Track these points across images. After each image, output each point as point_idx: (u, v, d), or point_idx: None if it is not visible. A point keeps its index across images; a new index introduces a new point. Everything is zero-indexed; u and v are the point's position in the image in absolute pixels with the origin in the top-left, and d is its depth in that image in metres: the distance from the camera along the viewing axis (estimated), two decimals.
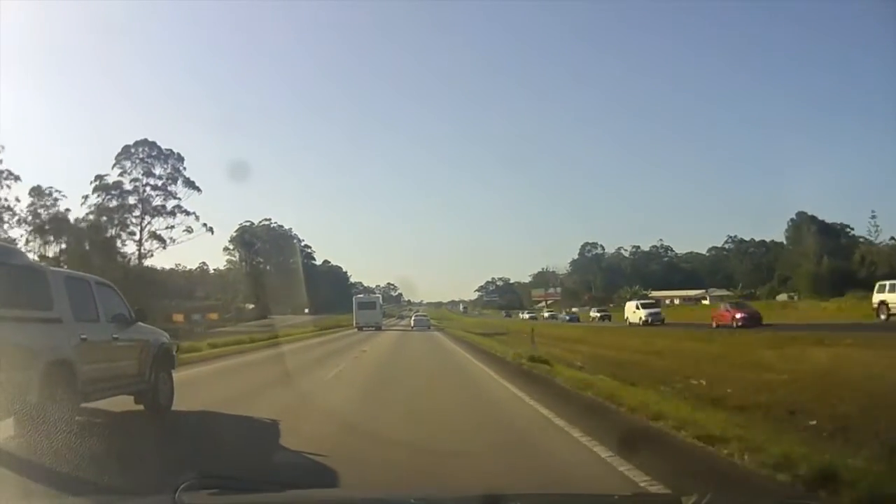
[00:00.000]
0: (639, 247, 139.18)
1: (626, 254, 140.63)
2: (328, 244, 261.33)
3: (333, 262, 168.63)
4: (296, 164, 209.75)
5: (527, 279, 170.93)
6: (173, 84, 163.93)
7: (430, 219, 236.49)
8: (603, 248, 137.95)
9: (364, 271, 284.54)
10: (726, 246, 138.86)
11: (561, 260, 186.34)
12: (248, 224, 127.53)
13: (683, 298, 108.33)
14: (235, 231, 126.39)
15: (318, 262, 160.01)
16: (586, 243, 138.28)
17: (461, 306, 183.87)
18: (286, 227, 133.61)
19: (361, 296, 72.84)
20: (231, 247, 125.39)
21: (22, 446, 5.67)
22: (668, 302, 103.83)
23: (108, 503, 4.06)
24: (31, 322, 7.01)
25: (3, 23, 73.49)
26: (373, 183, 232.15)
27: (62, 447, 5.30)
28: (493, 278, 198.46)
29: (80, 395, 7.37)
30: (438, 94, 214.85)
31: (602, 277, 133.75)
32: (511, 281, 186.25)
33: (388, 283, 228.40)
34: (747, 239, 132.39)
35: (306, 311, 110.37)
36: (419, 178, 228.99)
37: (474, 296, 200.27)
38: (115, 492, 4.38)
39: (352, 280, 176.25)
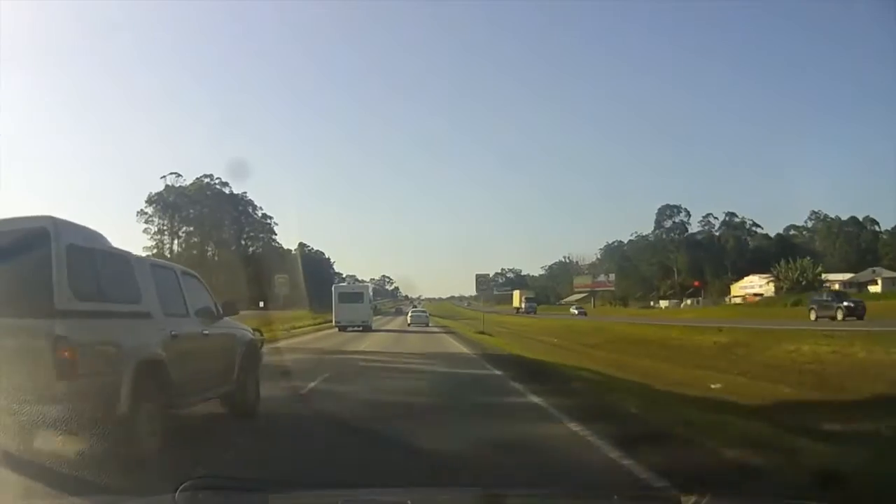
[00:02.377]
0: (734, 213, 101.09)
1: (716, 224, 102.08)
2: (321, 240, 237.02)
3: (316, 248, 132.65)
4: (290, 159, 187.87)
5: (538, 272, 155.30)
6: (170, 78, 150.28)
7: (427, 214, 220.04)
8: (688, 214, 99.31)
9: (358, 267, 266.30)
10: (808, 224, 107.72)
11: (585, 249, 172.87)
12: (175, 180, 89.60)
13: (842, 283, 71.73)
14: (159, 190, 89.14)
15: (292, 246, 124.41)
16: (666, 206, 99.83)
17: (521, 299, 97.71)
18: (237, 191, 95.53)
19: (343, 285, 57.19)
20: (149, 211, 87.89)
21: (102, 461, 4.79)
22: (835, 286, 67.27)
23: (108, 503, 4.07)
24: (119, 317, 5.91)
25: (5, 20, 68.84)
26: (368, 178, 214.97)
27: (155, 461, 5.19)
28: (502, 269, 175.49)
29: (173, 401, 6.35)
30: (439, 91, 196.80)
31: (687, 256, 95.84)
32: (523, 273, 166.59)
33: (383, 276, 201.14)
34: (832, 216, 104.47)
35: (261, 304, 72.40)
36: (415, 172, 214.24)
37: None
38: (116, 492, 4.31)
39: (338, 270, 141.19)
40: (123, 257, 6.46)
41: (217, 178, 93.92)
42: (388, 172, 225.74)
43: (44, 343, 4.95)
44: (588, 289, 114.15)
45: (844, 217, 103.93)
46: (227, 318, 8.37)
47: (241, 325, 9.22)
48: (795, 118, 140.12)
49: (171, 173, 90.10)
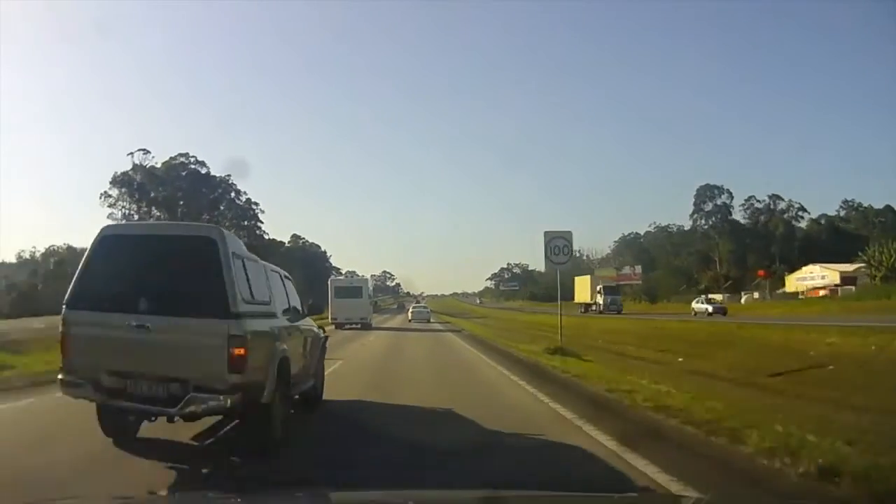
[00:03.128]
0: (778, 196, 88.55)
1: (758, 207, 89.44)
2: (321, 235, 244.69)
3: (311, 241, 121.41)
4: (289, 154, 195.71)
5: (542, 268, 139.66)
6: (172, 77, 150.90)
7: (429, 210, 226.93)
8: (731, 196, 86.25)
9: (358, 263, 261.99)
10: (839, 213, 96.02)
11: (593, 243, 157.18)
12: (144, 157, 77.57)
13: None
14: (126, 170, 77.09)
15: (285, 238, 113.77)
16: (706, 187, 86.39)
17: (596, 291, 65.98)
18: (213, 171, 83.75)
19: (341, 278, 55.70)
20: (114, 194, 75.80)
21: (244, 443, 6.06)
22: None
23: (108, 503, 4.10)
24: (264, 317, 6.43)
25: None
26: (369, 174, 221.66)
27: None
28: (508, 264, 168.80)
29: (292, 393, 7.19)
30: (439, 90, 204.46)
31: (732, 243, 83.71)
32: (531, 268, 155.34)
33: (384, 271, 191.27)
34: (865, 205, 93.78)
35: None
36: (416, 168, 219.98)
37: (481, 286, 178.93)
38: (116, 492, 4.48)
39: (336, 265, 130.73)
40: (258, 262, 6.97)
41: (192, 157, 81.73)
42: (389, 169, 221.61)
43: (220, 341, 5.46)
44: (612, 282, 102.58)
45: (878, 206, 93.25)
46: (307, 318, 8.79)
47: (312, 322, 9.36)
48: (813, 106, 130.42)
49: (140, 150, 78.02)
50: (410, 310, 55.42)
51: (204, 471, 5.59)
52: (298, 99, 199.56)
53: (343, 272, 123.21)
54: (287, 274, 8.46)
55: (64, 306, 5.81)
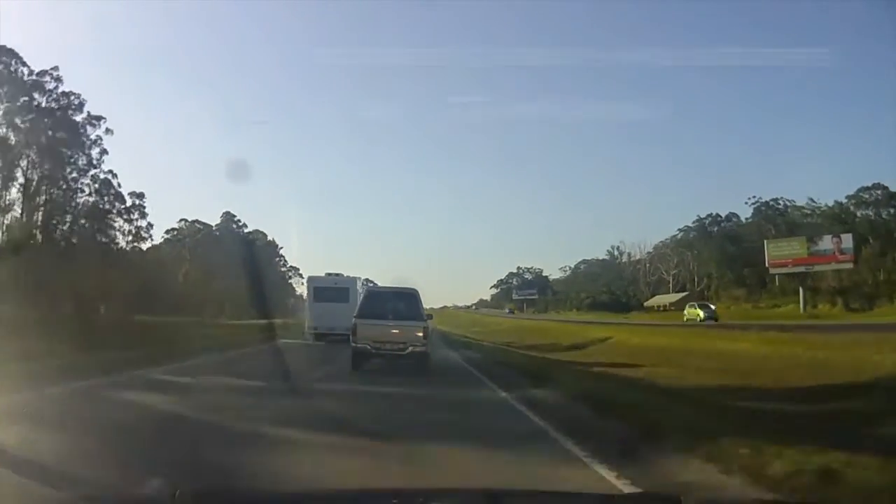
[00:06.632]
0: None
1: None
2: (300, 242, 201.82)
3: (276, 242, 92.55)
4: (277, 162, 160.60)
5: (557, 273, 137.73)
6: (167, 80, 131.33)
7: (417, 217, 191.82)
8: None
9: (334, 267, 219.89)
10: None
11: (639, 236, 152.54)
12: None
13: None
14: None
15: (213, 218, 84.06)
16: None
17: None
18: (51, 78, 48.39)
19: (322, 277, 38.51)
20: None
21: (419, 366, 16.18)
22: None
23: (108, 502, 4.39)
24: (426, 320, 17.44)
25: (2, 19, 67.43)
26: (348, 174, 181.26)
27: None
28: (518, 269, 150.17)
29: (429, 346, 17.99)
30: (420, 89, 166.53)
31: None
32: (544, 273, 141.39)
33: (366, 280, 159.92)
34: None
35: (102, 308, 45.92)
36: (402, 174, 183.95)
37: (476, 298, 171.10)
38: (117, 491, 4.87)
39: (294, 265, 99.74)
40: (420, 298, 18.18)
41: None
42: (369, 168, 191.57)
43: (419, 328, 16.51)
44: (801, 266, 56.21)
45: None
46: (426, 318, 18.14)
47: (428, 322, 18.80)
48: None
49: None
50: None
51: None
52: (287, 90, 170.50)
53: (300, 270, 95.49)
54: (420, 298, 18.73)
55: (354, 318, 16.46)
